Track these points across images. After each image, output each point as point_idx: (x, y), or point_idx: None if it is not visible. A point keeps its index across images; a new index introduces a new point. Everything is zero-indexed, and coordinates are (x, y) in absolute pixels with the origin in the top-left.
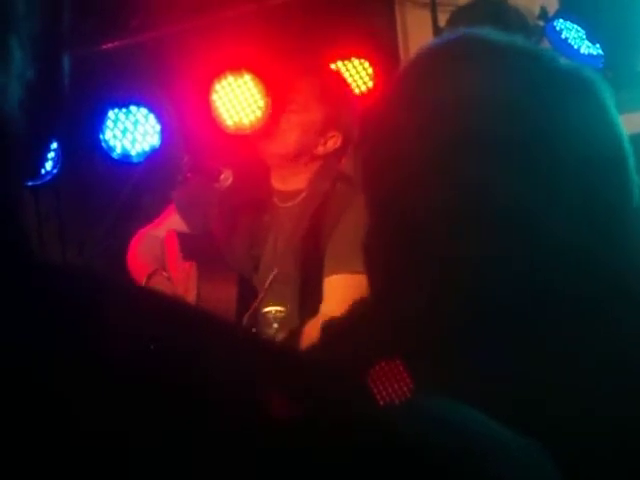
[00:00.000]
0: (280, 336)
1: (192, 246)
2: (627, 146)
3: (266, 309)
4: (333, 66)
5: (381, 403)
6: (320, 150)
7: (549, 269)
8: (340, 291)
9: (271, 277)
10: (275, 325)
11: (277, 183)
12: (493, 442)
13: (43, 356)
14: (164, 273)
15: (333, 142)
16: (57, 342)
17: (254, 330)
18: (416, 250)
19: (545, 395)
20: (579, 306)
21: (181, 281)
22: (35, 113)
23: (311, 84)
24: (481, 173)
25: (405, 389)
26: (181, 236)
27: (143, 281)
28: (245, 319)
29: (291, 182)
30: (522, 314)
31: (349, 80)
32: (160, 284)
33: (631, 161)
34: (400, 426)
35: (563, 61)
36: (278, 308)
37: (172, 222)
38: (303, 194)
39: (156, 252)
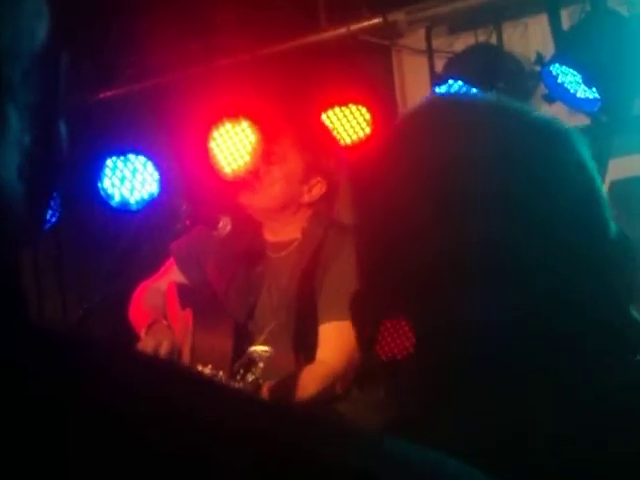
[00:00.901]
0: (265, 376)
1: (189, 295)
2: (601, 189)
3: (251, 348)
4: (330, 112)
5: (385, 358)
6: (306, 198)
7: (548, 310)
8: (334, 338)
9: (267, 331)
10: (260, 364)
11: (268, 235)
12: None
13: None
14: (164, 322)
15: (318, 189)
16: (59, 404)
17: (242, 371)
18: (416, 299)
19: (545, 430)
20: (575, 342)
21: (180, 330)
22: (33, 179)
23: (288, 134)
24: (477, 226)
25: (408, 345)
26: (181, 287)
27: (143, 330)
28: (236, 365)
29: (282, 233)
30: (522, 355)
31: (346, 126)
32: (160, 332)
33: (605, 203)
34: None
35: (537, 114)
36: (264, 348)
37: (172, 274)
38: (295, 243)
39: (157, 303)
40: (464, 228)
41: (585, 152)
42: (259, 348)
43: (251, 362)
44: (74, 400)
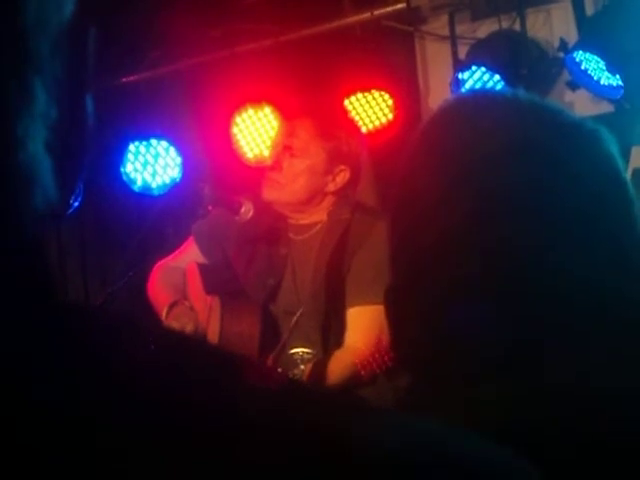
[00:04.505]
0: (307, 378)
1: (215, 280)
2: (629, 186)
3: (294, 350)
4: (353, 98)
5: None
6: (331, 187)
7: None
8: (363, 322)
9: (295, 318)
10: (302, 367)
11: (292, 219)
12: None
13: (68, 391)
14: (186, 303)
15: (342, 177)
16: (80, 379)
17: (279, 370)
18: (436, 307)
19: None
20: (601, 338)
21: (202, 311)
22: (60, 153)
23: (307, 126)
24: (501, 234)
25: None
26: (203, 269)
27: (165, 310)
28: (270, 359)
29: (306, 218)
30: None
31: (369, 112)
32: (182, 313)
33: (633, 197)
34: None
35: (568, 115)
36: (306, 350)
37: (191, 254)
38: (319, 225)
39: (176, 282)
40: (495, 228)
41: (614, 150)
42: (301, 350)
43: (292, 364)
44: (98, 375)
